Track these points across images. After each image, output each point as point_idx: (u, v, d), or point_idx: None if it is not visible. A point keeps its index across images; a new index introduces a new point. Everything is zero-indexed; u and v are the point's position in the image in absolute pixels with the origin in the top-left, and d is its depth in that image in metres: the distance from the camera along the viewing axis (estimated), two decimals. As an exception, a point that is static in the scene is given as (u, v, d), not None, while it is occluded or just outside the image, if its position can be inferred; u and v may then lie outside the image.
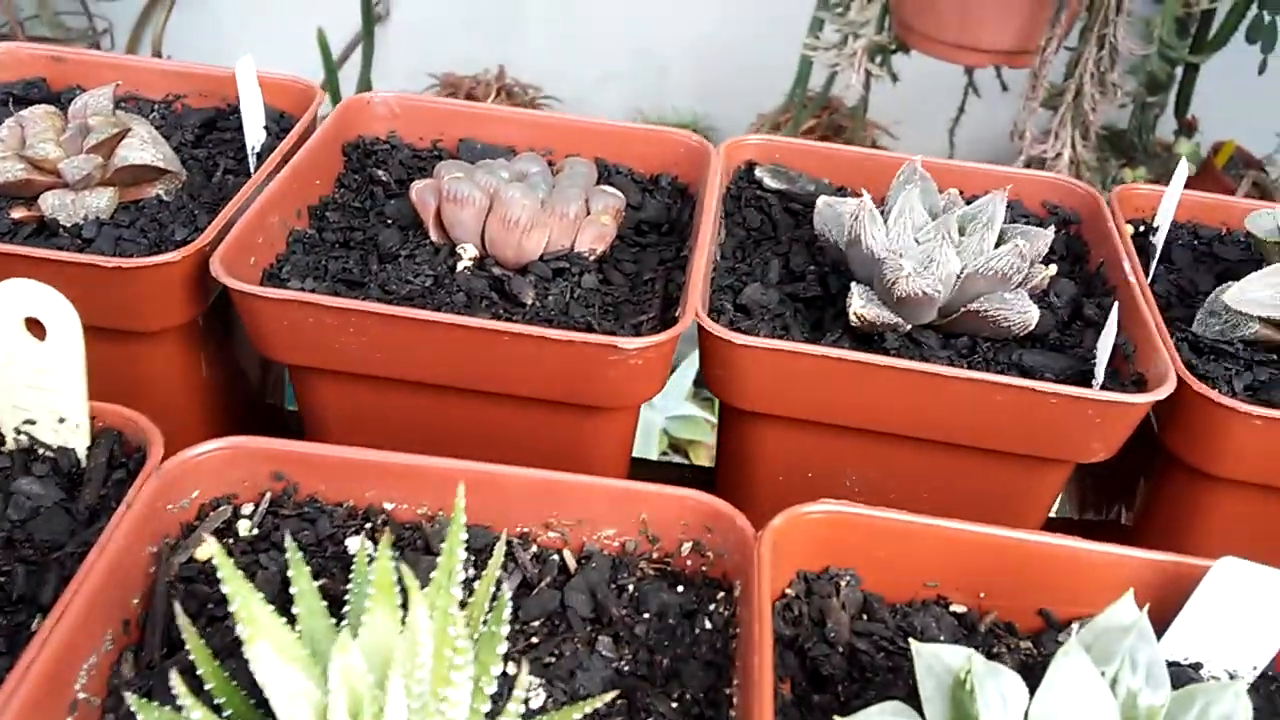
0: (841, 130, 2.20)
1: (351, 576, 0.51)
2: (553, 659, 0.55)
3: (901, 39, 1.92)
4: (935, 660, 0.50)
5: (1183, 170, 0.82)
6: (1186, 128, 1.98)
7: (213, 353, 0.76)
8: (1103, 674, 0.49)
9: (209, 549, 0.57)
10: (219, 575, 0.45)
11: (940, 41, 1.85)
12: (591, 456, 0.72)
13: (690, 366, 1.79)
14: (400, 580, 0.46)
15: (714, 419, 1.76)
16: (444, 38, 2.27)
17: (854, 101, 2.08)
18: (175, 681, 0.42)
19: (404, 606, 0.47)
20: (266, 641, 0.45)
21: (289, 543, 0.48)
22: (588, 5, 2.22)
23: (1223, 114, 1.96)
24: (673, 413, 1.80)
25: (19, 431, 0.59)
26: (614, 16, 2.23)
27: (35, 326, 0.57)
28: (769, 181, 0.84)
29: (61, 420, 0.58)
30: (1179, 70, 1.94)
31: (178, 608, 0.47)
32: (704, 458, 1.75)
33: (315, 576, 0.54)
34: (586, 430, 0.72)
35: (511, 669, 0.53)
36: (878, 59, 1.92)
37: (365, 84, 2.06)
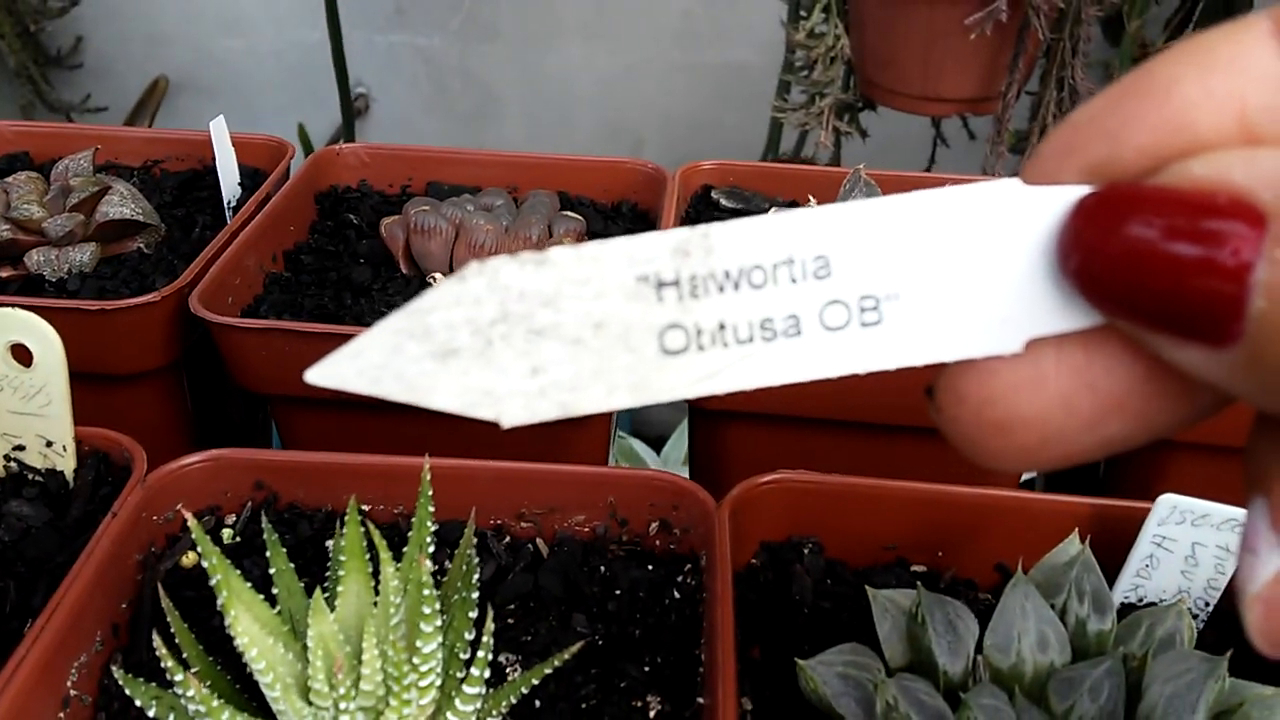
0: (816, 189, 2.24)
1: (328, 565, 0.54)
2: (528, 637, 0.56)
3: (867, 95, 1.97)
4: (890, 603, 0.52)
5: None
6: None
7: (195, 394, 0.79)
8: (1052, 606, 0.51)
9: (195, 554, 0.59)
10: (199, 551, 0.47)
11: (904, 95, 1.90)
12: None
13: (681, 439, 1.82)
14: (370, 548, 0.48)
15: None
16: (422, 127, 2.32)
17: (826, 160, 2.13)
18: (157, 642, 0.44)
19: (375, 578, 0.49)
20: (247, 612, 0.47)
21: (265, 524, 0.51)
22: (558, 85, 2.29)
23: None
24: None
25: (8, 458, 0.62)
26: (584, 94, 2.29)
27: (20, 354, 0.59)
28: (725, 202, 0.87)
29: (49, 444, 0.61)
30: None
31: (160, 590, 0.49)
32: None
33: (297, 577, 0.56)
34: (561, 441, 0.74)
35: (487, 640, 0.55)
36: (845, 117, 1.97)
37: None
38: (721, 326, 0.22)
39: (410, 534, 0.51)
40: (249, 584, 0.48)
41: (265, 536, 0.50)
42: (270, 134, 0.93)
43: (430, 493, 0.51)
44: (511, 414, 0.22)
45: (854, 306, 0.22)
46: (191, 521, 0.47)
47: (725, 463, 0.75)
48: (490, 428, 0.74)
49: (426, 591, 0.45)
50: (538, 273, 0.22)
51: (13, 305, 0.70)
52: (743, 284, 0.22)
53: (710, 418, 0.74)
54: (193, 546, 0.59)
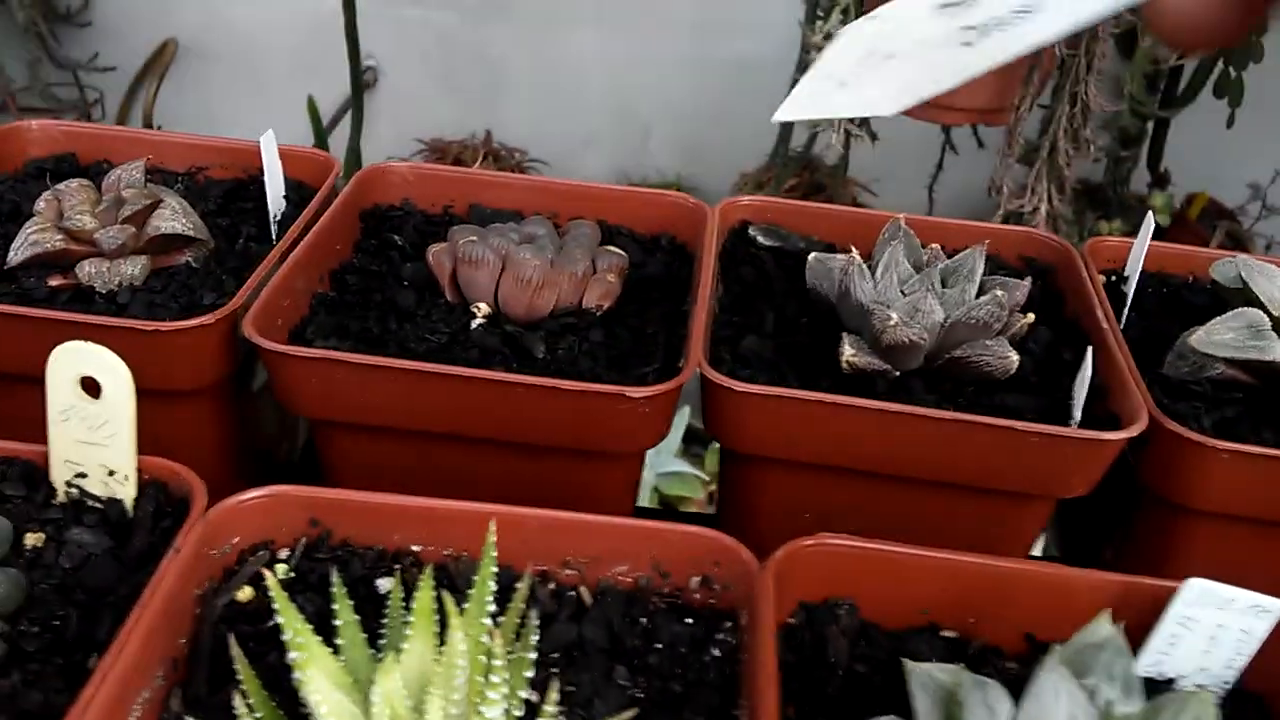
0: (822, 188, 2.25)
1: (386, 612, 0.56)
2: (572, 688, 0.58)
3: (880, 100, 1.98)
4: (928, 678, 0.54)
5: (1149, 222, 0.87)
6: (1159, 180, 2.04)
7: (241, 410, 0.81)
8: (1082, 686, 0.53)
9: (251, 589, 0.61)
10: (273, 605, 0.49)
11: (917, 102, 1.91)
12: (600, 502, 0.76)
13: (680, 424, 1.83)
14: (440, 609, 0.50)
15: (703, 475, 1.80)
16: (430, 104, 2.32)
17: (834, 160, 2.15)
18: (237, 702, 0.46)
19: (439, 635, 0.51)
20: (317, 667, 0.49)
21: (334, 577, 0.52)
22: (569, 70, 2.28)
23: (1194, 166, 2.03)
24: (664, 469, 1.83)
25: (70, 485, 0.63)
26: (594, 80, 2.29)
27: (89, 385, 0.61)
28: (762, 239, 0.89)
29: (111, 473, 0.63)
30: (1150, 125, 2.01)
31: (231, 639, 0.51)
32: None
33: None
34: (595, 477, 0.76)
35: (535, 697, 0.57)
36: (856, 119, 1.98)
37: (355, 149, 2.11)
38: (991, 19, 0.37)
39: (471, 591, 0.53)
40: (319, 637, 0.50)
41: (334, 589, 0.52)
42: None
43: (494, 554, 0.52)
44: (884, 110, 0.40)
45: None
46: (274, 587, 0.48)
47: (754, 506, 0.78)
48: (520, 463, 0.76)
49: (498, 662, 0.47)
50: (875, 24, 0.40)
51: (71, 322, 0.72)
52: None
53: (743, 461, 0.76)
54: (250, 581, 0.61)
